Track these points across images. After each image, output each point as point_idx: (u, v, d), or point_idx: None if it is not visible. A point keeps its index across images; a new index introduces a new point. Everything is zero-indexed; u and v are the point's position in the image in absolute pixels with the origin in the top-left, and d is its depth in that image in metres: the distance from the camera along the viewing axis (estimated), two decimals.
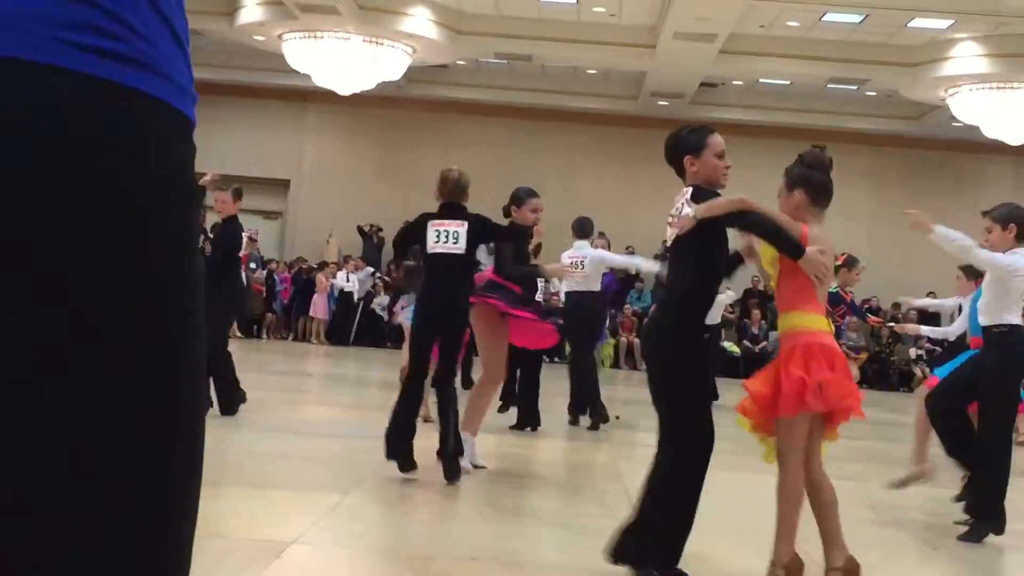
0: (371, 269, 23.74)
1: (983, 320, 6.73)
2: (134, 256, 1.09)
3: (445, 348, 7.15)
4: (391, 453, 6.97)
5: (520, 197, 7.98)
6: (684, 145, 4.97)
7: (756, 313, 23.24)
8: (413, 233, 7.36)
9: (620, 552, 4.78)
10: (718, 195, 4.83)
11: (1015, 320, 6.62)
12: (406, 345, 14.12)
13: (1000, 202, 7.09)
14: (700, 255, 4.85)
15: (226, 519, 5.22)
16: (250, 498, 6.04)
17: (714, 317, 15.00)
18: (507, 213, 7.94)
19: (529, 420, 10.23)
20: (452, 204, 7.26)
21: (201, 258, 1.20)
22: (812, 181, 4.96)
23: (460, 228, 7.09)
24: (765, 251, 4.99)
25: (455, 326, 7.13)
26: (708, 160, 4.92)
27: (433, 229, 7.14)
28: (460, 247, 7.06)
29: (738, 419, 4.90)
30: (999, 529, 6.58)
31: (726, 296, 15.29)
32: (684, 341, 4.83)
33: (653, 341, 5.05)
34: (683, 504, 4.73)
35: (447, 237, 7.09)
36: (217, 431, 8.59)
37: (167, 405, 1.13)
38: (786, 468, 4.79)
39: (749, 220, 4.81)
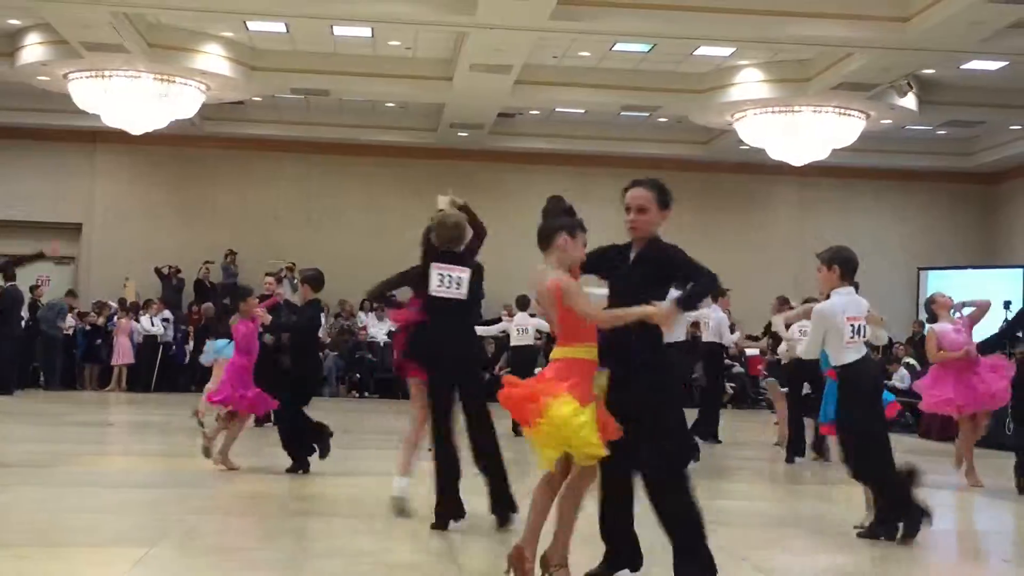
0: (169, 315, 23.02)
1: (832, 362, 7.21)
2: None
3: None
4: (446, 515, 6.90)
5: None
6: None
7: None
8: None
9: None
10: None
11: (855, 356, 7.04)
12: (208, 384, 13.87)
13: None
14: None
15: None
16: (48, 558, 5.77)
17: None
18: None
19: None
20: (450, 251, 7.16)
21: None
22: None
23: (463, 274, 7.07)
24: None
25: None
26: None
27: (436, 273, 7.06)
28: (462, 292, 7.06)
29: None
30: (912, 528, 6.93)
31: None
32: None
33: None
34: None
35: (451, 282, 7.04)
36: (10, 488, 8.20)
37: None
38: None
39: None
